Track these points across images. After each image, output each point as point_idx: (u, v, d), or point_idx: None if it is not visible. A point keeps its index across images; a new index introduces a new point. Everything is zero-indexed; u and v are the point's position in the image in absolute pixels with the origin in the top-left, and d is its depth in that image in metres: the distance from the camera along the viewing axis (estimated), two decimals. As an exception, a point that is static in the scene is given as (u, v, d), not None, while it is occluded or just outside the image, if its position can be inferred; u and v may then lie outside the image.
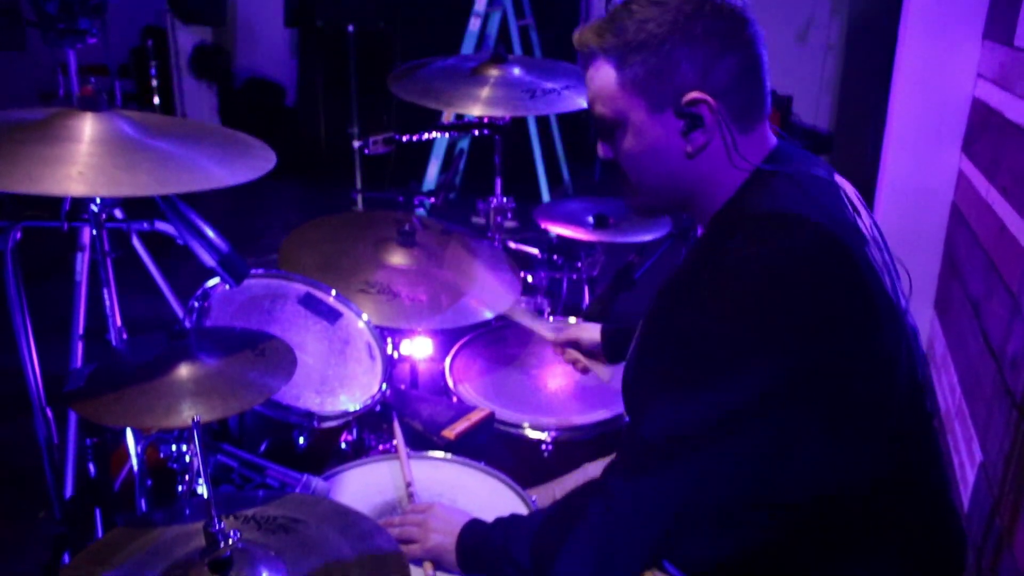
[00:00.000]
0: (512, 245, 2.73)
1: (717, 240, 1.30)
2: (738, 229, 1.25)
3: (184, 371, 1.41)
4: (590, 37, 1.34)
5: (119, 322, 1.72)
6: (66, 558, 2.03)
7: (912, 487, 1.36)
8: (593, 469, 1.85)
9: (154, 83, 6.12)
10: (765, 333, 1.18)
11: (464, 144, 4.96)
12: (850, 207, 1.36)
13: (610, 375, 2.16)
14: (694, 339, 1.23)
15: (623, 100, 1.33)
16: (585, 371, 2.14)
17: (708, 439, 1.22)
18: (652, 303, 1.44)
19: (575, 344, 2.11)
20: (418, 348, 2.46)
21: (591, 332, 2.08)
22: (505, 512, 1.50)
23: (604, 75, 1.33)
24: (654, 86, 1.30)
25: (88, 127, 1.38)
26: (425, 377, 2.48)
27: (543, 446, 2.02)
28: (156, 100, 6.33)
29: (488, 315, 2.26)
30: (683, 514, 1.27)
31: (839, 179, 1.43)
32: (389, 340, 2.08)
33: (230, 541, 1.17)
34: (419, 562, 1.47)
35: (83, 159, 1.30)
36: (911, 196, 2.93)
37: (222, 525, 1.17)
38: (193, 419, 1.18)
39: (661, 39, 1.27)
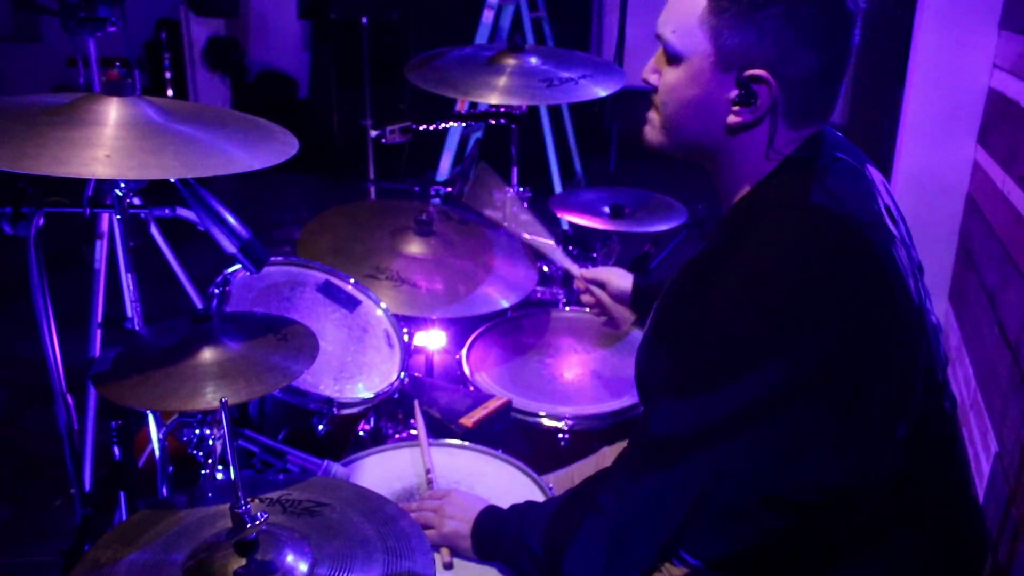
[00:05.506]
0: (527, 237, 2.72)
1: (739, 230, 1.27)
2: (761, 221, 1.23)
3: (208, 355, 1.42)
4: None
5: (139, 307, 1.73)
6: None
7: (929, 487, 1.34)
8: (610, 453, 1.86)
9: (168, 75, 6.13)
10: (780, 331, 1.16)
11: (479, 135, 4.96)
12: (881, 201, 1.33)
13: (628, 327, 2.15)
14: (707, 333, 1.19)
15: (696, 38, 1.25)
16: (599, 315, 2.13)
17: (718, 437, 1.20)
18: (668, 288, 1.43)
19: (602, 285, 2.09)
20: (432, 340, 2.46)
21: (622, 280, 2.07)
22: (522, 499, 1.50)
23: (693, 3, 1.25)
24: (732, 42, 1.22)
25: (113, 111, 1.38)
26: (440, 369, 2.49)
27: (560, 435, 2.03)
28: (170, 93, 6.35)
29: (505, 304, 2.27)
30: (694, 510, 1.25)
31: (872, 169, 1.40)
32: (405, 330, 2.08)
33: (256, 522, 1.18)
34: (436, 548, 1.48)
35: (109, 142, 1.30)
36: (926, 187, 2.92)
37: (248, 506, 1.18)
38: (221, 400, 1.19)
39: (765, 1, 1.20)
